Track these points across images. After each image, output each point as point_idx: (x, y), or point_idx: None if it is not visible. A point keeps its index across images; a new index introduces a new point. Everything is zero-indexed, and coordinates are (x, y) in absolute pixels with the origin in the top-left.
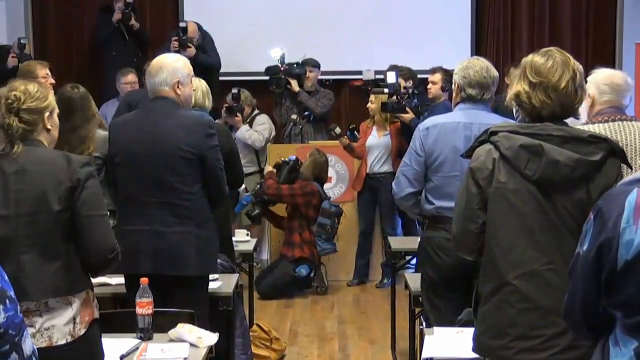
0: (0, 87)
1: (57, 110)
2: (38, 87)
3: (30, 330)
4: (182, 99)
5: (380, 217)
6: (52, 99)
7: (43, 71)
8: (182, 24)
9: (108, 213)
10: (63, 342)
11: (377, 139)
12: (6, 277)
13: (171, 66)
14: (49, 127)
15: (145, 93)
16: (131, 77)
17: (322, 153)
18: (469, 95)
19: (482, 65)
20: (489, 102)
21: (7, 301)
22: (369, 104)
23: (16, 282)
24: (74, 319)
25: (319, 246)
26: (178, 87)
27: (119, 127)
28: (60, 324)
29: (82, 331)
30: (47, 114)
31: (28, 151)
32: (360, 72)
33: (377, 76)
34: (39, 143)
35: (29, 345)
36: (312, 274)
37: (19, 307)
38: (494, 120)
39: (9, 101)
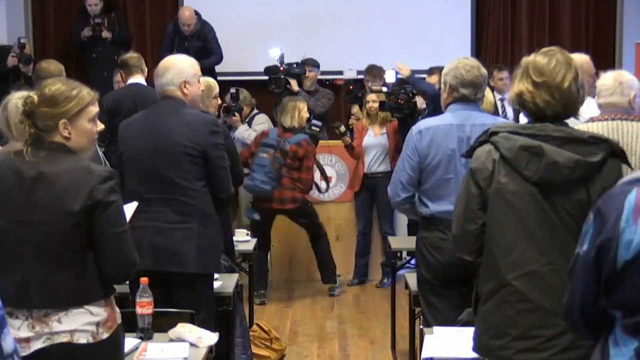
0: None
1: (88, 116)
2: (64, 91)
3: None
4: (189, 98)
5: (378, 216)
6: (75, 104)
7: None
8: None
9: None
10: (84, 341)
11: (374, 139)
12: None
13: (178, 67)
14: (66, 135)
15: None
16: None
17: None
18: (462, 95)
19: (473, 64)
20: (479, 102)
21: None
22: (370, 103)
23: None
24: (97, 323)
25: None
26: (185, 86)
27: (127, 126)
28: (81, 327)
29: (105, 335)
30: (63, 120)
31: (48, 158)
32: (360, 72)
33: (359, 76)
34: (59, 148)
35: (9, 342)
36: (257, 217)
37: (1, 304)
38: (486, 120)
39: (24, 103)
